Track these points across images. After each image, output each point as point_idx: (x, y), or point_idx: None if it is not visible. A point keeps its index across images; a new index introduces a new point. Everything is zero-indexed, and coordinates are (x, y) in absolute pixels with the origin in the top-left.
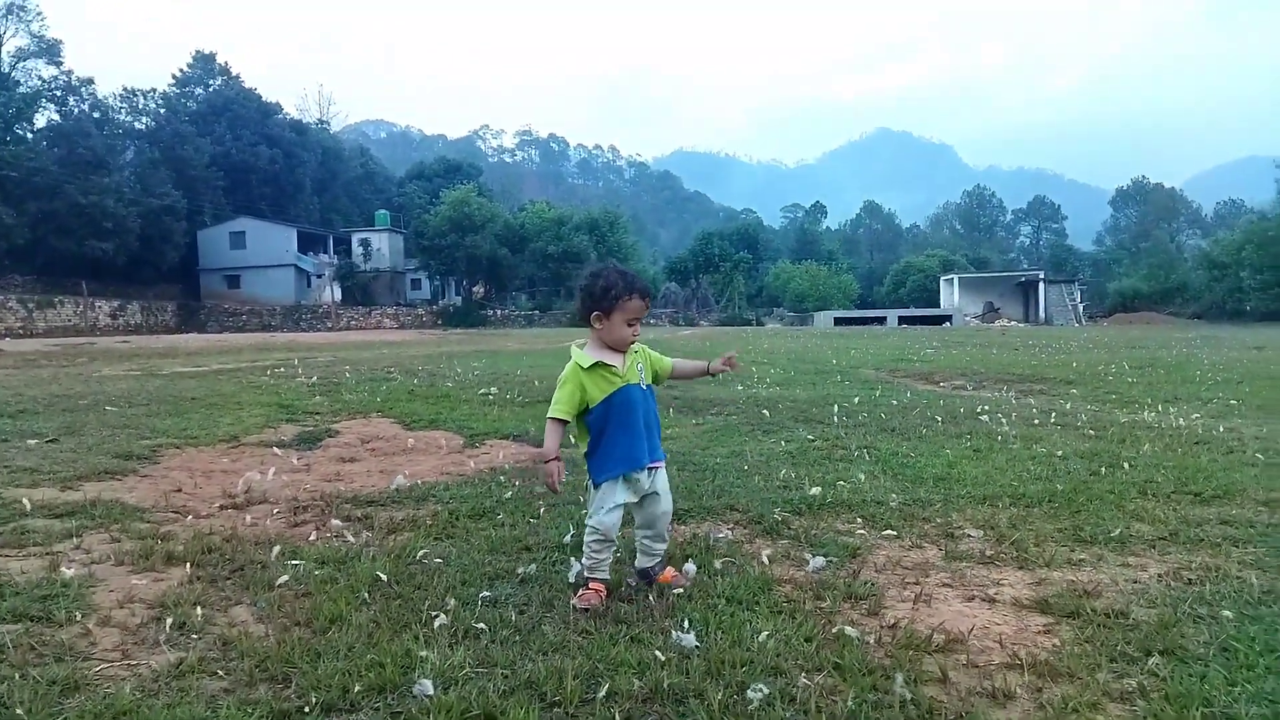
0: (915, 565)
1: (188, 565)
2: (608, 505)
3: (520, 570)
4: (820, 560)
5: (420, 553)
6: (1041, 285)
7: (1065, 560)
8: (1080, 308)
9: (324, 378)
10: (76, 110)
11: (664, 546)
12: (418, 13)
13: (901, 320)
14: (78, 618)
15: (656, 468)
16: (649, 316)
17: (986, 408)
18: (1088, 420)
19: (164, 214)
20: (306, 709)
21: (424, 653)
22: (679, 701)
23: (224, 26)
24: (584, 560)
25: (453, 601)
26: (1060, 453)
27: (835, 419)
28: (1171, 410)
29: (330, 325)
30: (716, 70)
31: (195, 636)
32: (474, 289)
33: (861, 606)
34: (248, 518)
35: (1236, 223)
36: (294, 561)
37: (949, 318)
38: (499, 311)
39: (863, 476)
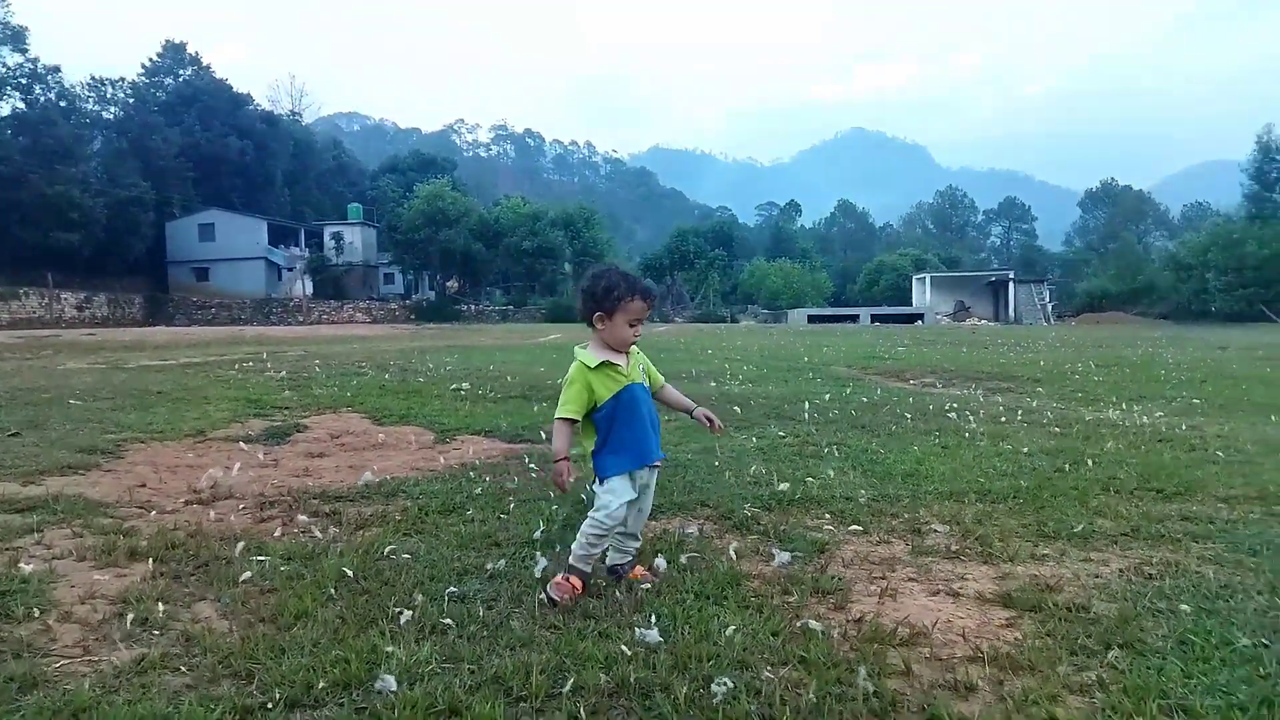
0: (882, 560)
1: (150, 561)
2: (618, 499)
3: (489, 566)
4: (785, 555)
5: (388, 548)
6: (1011, 285)
7: (1029, 555)
8: (1049, 307)
9: (294, 372)
10: (43, 99)
11: (637, 545)
12: (393, 3)
13: (874, 318)
14: (37, 614)
15: (658, 466)
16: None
17: (955, 405)
18: (1053, 418)
19: (132, 205)
20: (270, 705)
21: (390, 648)
22: (645, 695)
23: (195, 16)
24: (574, 549)
25: (420, 597)
26: (1026, 450)
27: (806, 416)
28: (1135, 408)
29: (301, 319)
30: (693, 69)
31: (157, 632)
32: (448, 284)
33: (828, 601)
34: (212, 513)
35: (1202, 225)
36: (259, 557)
37: (921, 316)
38: (473, 306)
39: (832, 473)
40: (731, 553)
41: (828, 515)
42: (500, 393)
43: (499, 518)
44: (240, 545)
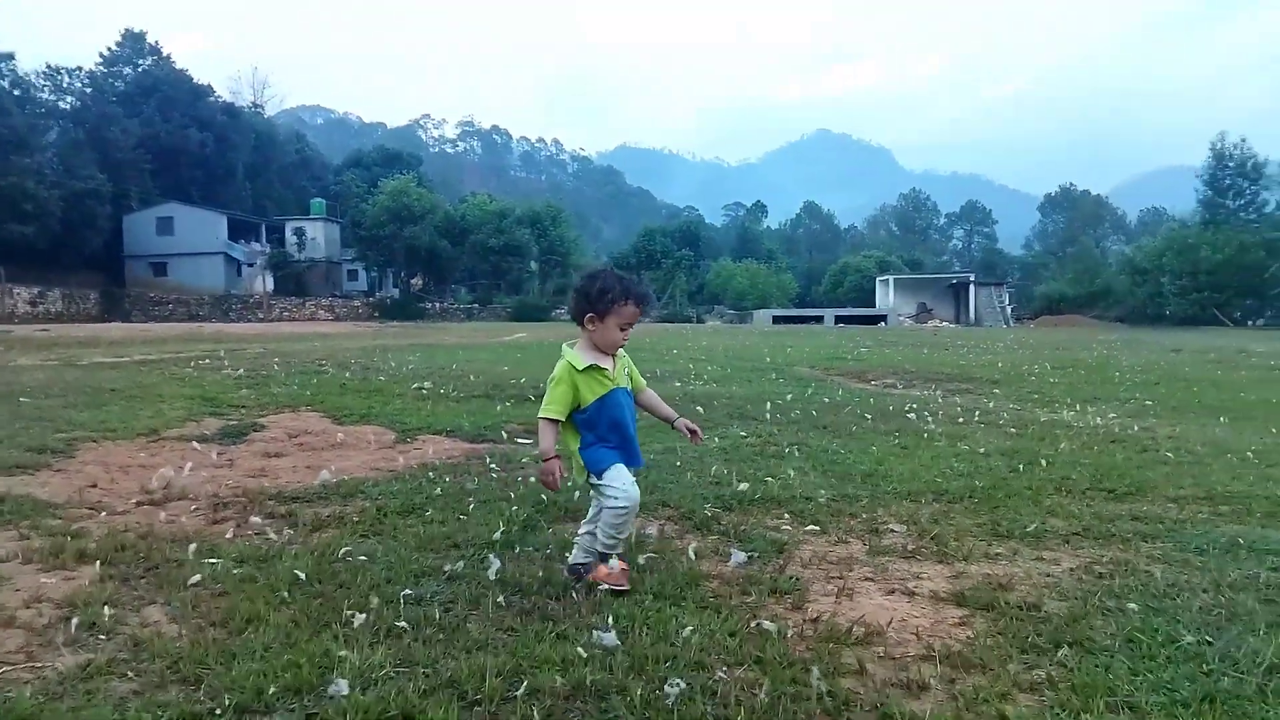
0: (840, 560)
1: (99, 563)
2: (623, 481)
3: (448, 568)
4: (741, 556)
5: (344, 550)
6: (972, 287)
7: (983, 554)
8: (1008, 310)
9: (252, 370)
10: None
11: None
12: None
13: (838, 319)
14: None
15: (638, 472)
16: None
17: (915, 406)
18: (1010, 419)
19: (88, 197)
20: (218, 711)
21: (343, 652)
22: (601, 698)
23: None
24: (601, 539)
25: (376, 600)
26: (983, 450)
27: (768, 416)
28: (1090, 410)
29: (262, 316)
30: (662, 68)
31: (104, 637)
32: (412, 281)
33: (786, 601)
34: (164, 514)
35: (1158, 230)
36: (211, 560)
37: (884, 318)
38: (438, 304)
39: (793, 473)
40: (691, 553)
41: (787, 515)
42: (463, 392)
43: (459, 519)
44: (192, 547)
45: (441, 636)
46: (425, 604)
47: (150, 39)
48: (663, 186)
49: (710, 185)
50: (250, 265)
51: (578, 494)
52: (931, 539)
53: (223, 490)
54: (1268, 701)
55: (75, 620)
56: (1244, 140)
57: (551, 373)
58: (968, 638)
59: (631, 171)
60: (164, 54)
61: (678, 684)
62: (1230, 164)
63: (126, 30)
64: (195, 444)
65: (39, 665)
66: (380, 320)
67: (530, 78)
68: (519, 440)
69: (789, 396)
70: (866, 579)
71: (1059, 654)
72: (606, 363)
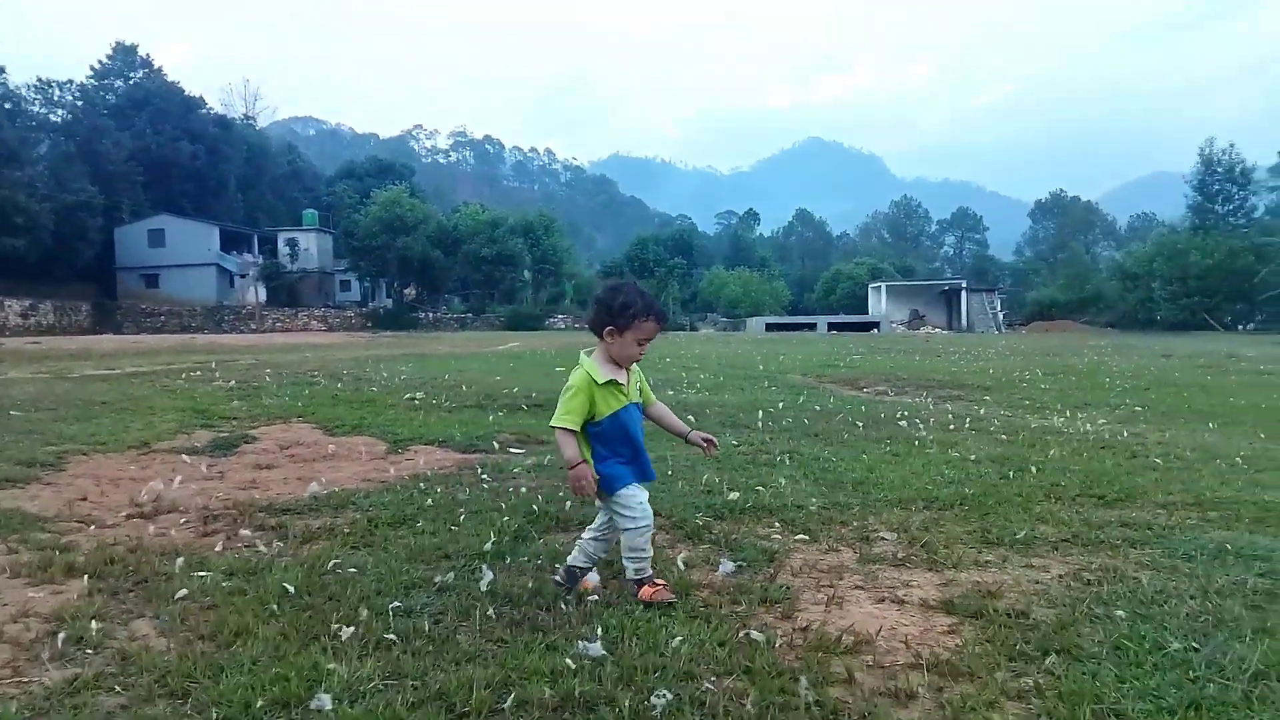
0: (830, 568)
1: (88, 577)
2: (638, 502)
3: (438, 579)
4: (729, 565)
5: (334, 562)
6: (964, 293)
7: (972, 561)
8: (1000, 316)
9: (243, 381)
10: None
11: (603, 557)
12: (350, 7)
13: (831, 326)
14: None
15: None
16: (584, 321)
17: (906, 413)
18: (1001, 425)
19: (79, 210)
20: None
21: (332, 665)
22: (590, 709)
23: (147, 17)
24: (628, 568)
25: (365, 612)
26: (973, 457)
27: (760, 424)
28: (1080, 416)
29: (254, 327)
30: (653, 77)
31: (91, 651)
32: (405, 291)
33: (776, 610)
34: (153, 528)
35: (1148, 235)
36: (201, 573)
37: (877, 324)
38: (431, 314)
39: (784, 481)
40: (681, 563)
41: (778, 524)
42: (455, 402)
43: (450, 530)
44: (180, 560)
45: (431, 648)
46: (415, 616)
47: (142, 51)
48: (655, 195)
49: (703, 194)
50: (242, 276)
51: (569, 504)
52: (922, 546)
53: (213, 503)
54: (1253, 708)
55: (62, 634)
56: (1232, 146)
57: (567, 381)
58: (956, 645)
59: (624, 180)
60: (155, 66)
61: (664, 695)
62: (1219, 170)
63: (118, 43)
64: (185, 457)
65: (25, 680)
66: (373, 330)
67: (522, 88)
68: (511, 450)
69: (781, 404)
70: (856, 587)
71: (1047, 661)
72: (622, 376)
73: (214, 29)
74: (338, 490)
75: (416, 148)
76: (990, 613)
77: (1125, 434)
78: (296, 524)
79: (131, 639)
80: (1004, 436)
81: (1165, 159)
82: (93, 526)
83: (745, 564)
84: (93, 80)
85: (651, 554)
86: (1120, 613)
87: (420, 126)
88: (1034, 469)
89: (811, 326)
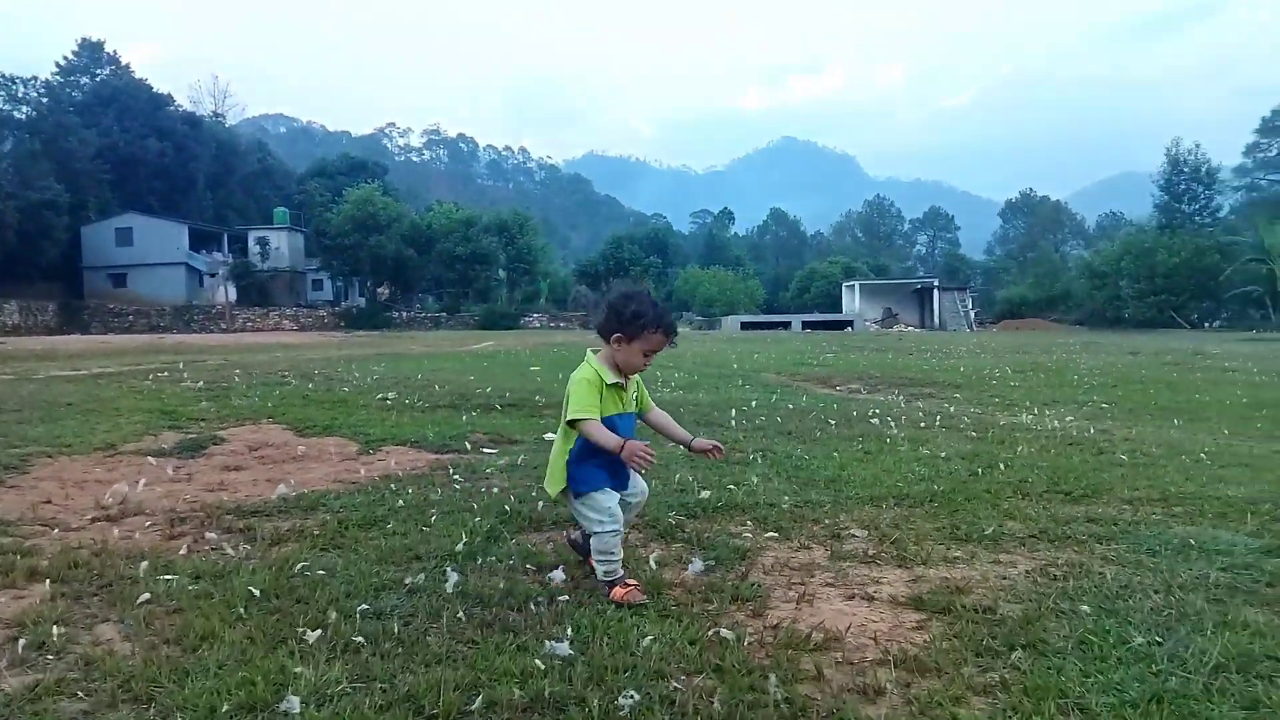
0: (802, 566)
1: (50, 582)
2: (607, 505)
3: (408, 580)
4: (699, 564)
5: (302, 565)
6: (936, 292)
7: (941, 558)
8: (971, 314)
9: (212, 382)
10: None
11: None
12: (321, 3)
13: (805, 325)
14: None
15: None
16: (559, 319)
17: (878, 411)
18: (971, 422)
19: (45, 208)
20: None
21: (299, 669)
22: (559, 709)
23: (113, 12)
24: (599, 570)
25: (334, 615)
26: (944, 454)
27: (734, 423)
28: (1048, 413)
29: (224, 327)
30: (627, 77)
31: (53, 657)
32: (379, 290)
33: (747, 608)
34: (117, 531)
35: (1116, 235)
36: (166, 576)
37: (850, 323)
38: (404, 313)
39: (756, 479)
40: (652, 562)
41: (750, 522)
42: (428, 402)
43: (421, 530)
44: (145, 564)
45: (400, 651)
46: (384, 618)
47: (108, 48)
48: (630, 194)
49: (677, 192)
50: (212, 275)
51: (541, 504)
52: (892, 543)
53: (180, 505)
54: (1213, 700)
55: (23, 640)
56: (1198, 146)
57: (574, 377)
58: (924, 641)
59: (599, 179)
60: (122, 63)
61: (631, 695)
62: (1185, 170)
63: (84, 39)
64: (151, 459)
65: None
66: (346, 330)
67: (496, 87)
68: (484, 450)
69: (754, 403)
70: (827, 584)
71: (1013, 656)
72: (624, 383)
73: (182, 25)
74: (307, 492)
75: (389, 146)
76: (958, 608)
77: (1092, 430)
78: (265, 526)
79: (95, 644)
80: (974, 434)
81: (1133, 159)
82: (56, 530)
83: (716, 562)
84: (58, 77)
85: (622, 556)
86: (1085, 608)
87: (393, 124)
88: (1003, 466)
89: (786, 325)
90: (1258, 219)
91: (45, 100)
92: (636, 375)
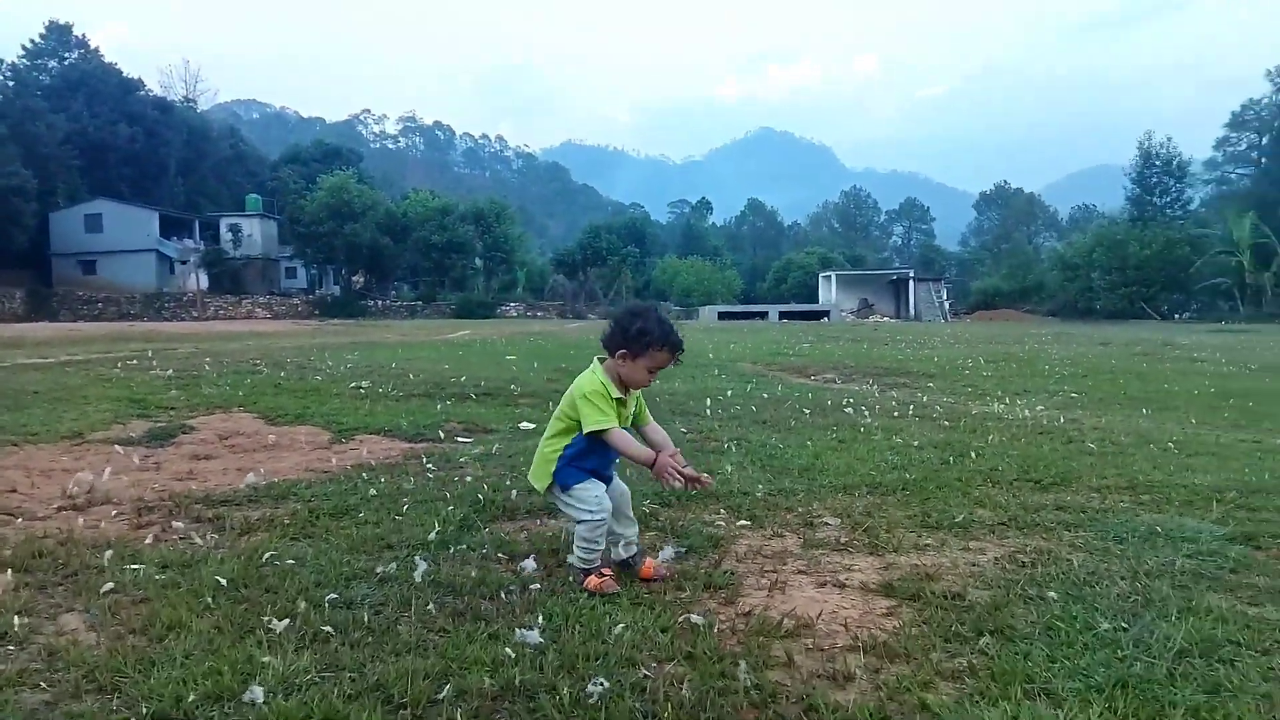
0: (774, 554)
1: (12, 571)
2: (595, 493)
3: (379, 570)
4: (669, 551)
5: (269, 554)
6: (911, 283)
7: (912, 545)
8: (946, 305)
9: (182, 370)
10: None
11: (635, 530)
12: None
13: (782, 315)
14: None
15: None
16: (536, 308)
17: (852, 400)
18: (943, 412)
19: (12, 194)
20: (135, 719)
21: (266, 658)
22: (530, 697)
23: None
24: (583, 555)
25: (303, 604)
26: (916, 443)
27: (709, 412)
28: (1020, 402)
29: (196, 314)
30: (604, 65)
31: (15, 648)
32: (354, 278)
33: (720, 595)
34: (83, 520)
35: (1088, 227)
36: (133, 566)
37: (827, 313)
38: (380, 302)
39: (730, 468)
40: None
41: (724, 510)
42: (403, 391)
43: (393, 519)
44: (110, 553)
45: (370, 640)
46: (355, 607)
47: (77, 31)
48: (608, 183)
49: (655, 182)
50: (183, 263)
51: (515, 492)
52: (864, 531)
53: (147, 494)
54: (1176, 685)
55: None
56: (1170, 139)
57: (578, 388)
58: (894, 628)
59: (577, 168)
60: (91, 47)
61: (601, 683)
62: (1157, 163)
63: (51, 22)
64: (119, 447)
65: None
66: (320, 318)
67: (473, 74)
68: (459, 439)
69: (730, 392)
70: (799, 572)
71: (980, 642)
72: (626, 397)
73: (152, 8)
74: (278, 481)
75: (364, 133)
76: (928, 595)
77: (1062, 420)
78: (234, 515)
79: (59, 634)
80: (946, 423)
81: (1105, 152)
82: (21, 519)
83: (688, 549)
84: (24, 60)
85: (604, 547)
86: (1053, 594)
87: (368, 111)
88: (974, 454)
89: (763, 315)
90: (1227, 212)
91: (11, 84)
92: (637, 393)
